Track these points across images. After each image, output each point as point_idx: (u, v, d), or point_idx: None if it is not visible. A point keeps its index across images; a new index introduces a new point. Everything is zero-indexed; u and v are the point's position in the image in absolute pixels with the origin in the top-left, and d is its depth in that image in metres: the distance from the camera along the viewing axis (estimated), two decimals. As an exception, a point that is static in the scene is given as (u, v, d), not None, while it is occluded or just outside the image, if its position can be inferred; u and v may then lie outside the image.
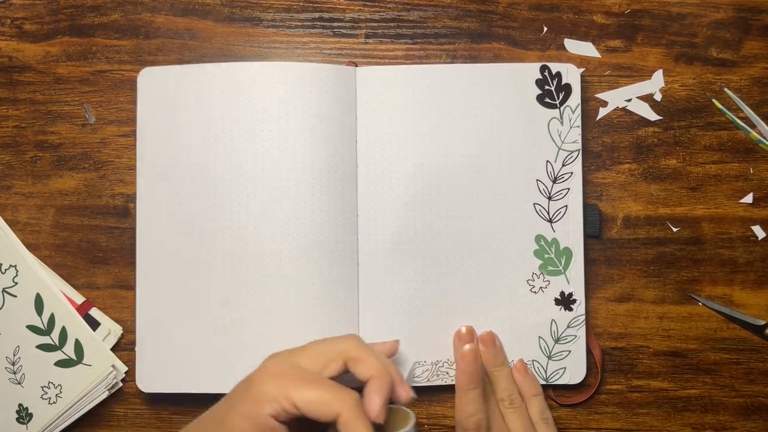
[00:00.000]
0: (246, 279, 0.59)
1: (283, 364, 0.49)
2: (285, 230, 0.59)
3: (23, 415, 0.60)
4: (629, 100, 0.62)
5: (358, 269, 0.60)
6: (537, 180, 0.60)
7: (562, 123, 0.60)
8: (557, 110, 0.60)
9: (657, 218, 0.62)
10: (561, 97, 0.60)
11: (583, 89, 0.61)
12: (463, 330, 0.59)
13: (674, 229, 0.62)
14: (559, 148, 0.60)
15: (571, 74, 0.60)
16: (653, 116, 0.62)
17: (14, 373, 0.61)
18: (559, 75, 0.60)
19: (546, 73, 0.60)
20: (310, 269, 0.59)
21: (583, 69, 0.62)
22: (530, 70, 0.60)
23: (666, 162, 0.62)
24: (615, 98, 0.62)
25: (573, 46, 0.62)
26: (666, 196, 0.62)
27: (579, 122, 0.60)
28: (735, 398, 0.61)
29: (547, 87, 0.60)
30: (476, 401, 0.57)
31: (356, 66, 0.61)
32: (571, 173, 0.60)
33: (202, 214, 0.60)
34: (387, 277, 0.60)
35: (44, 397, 0.60)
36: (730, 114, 0.62)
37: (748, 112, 0.61)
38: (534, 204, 0.60)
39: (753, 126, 0.62)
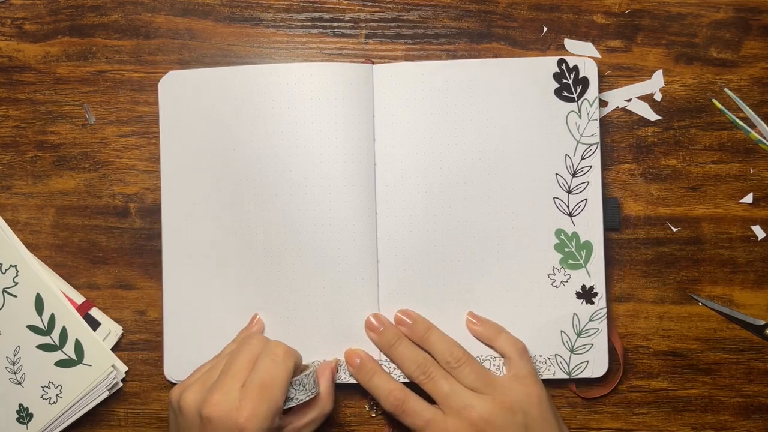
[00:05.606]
0: (267, 277, 0.60)
1: (233, 396, 0.52)
2: (304, 228, 0.59)
3: (23, 415, 0.60)
4: (629, 100, 0.62)
5: (377, 266, 0.60)
6: (556, 174, 0.60)
7: (580, 116, 0.60)
8: (575, 104, 0.60)
9: (657, 218, 0.62)
10: (579, 90, 0.60)
11: (583, 89, 0.62)
12: (372, 318, 0.59)
13: (674, 229, 0.62)
14: (578, 142, 0.60)
15: (589, 68, 0.60)
16: (653, 116, 0.62)
17: (14, 373, 0.61)
18: (576, 68, 0.60)
19: (563, 67, 0.60)
20: (329, 267, 0.59)
21: (583, 69, 0.62)
22: (548, 64, 0.60)
23: (666, 162, 0.62)
24: (615, 98, 0.62)
25: (573, 46, 0.62)
26: (666, 196, 0.62)
27: (597, 115, 0.60)
28: (735, 398, 0.61)
29: (564, 81, 0.60)
30: (380, 385, 0.58)
31: (373, 63, 0.61)
32: (590, 166, 0.60)
33: (225, 212, 0.60)
34: (407, 274, 0.60)
35: (44, 397, 0.60)
36: (730, 114, 0.62)
37: (748, 112, 0.61)
38: (554, 198, 0.60)
39: (753, 126, 0.62)
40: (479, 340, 0.59)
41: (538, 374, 0.58)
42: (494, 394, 0.56)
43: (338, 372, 0.59)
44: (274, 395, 0.52)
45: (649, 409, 0.61)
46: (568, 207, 0.60)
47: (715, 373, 0.61)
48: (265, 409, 0.51)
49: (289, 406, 0.54)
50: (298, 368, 0.55)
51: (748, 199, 0.61)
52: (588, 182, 0.60)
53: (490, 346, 0.59)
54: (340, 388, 0.61)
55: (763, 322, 0.61)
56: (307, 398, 0.55)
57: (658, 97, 0.62)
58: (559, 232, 0.60)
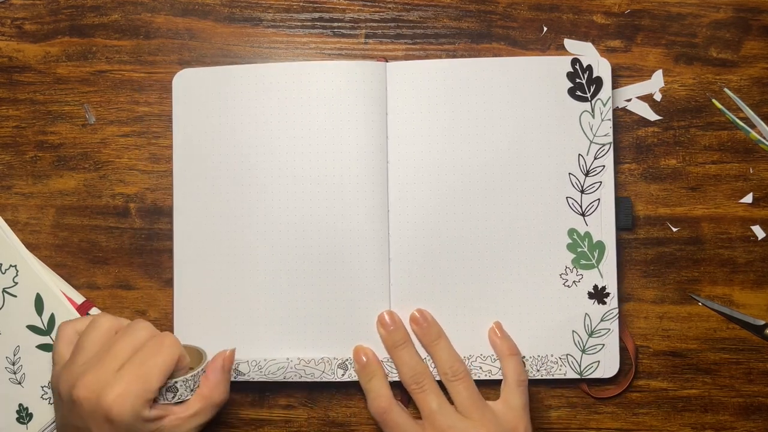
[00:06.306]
0: (278, 274, 0.60)
1: (105, 377, 0.51)
2: (316, 226, 0.60)
3: (23, 415, 0.60)
4: (629, 100, 0.62)
5: (389, 264, 0.60)
6: (569, 173, 0.60)
7: (593, 116, 0.60)
8: (588, 103, 0.60)
9: (657, 218, 0.62)
10: (592, 90, 0.60)
11: (583, 89, 0.62)
12: (386, 315, 0.59)
13: (674, 229, 0.62)
14: (591, 141, 0.60)
15: (602, 67, 0.60)
16: (653, 116, 0.62)
17: (14, 373, 0.61)
18: (590, 68, 0.60)
19: (577, 66, 0.60)
20: (341, 265, 0.59)
21: (583, 69, 0.62)
22: (562, 64, 0.60)
23: (666, 162, 0.62)
24: (615, 98, 0.62)
25: (573, 46, 0.62)
26: (666, 196, 0.62)
27: (610, 115, 0.60)
28: (735, 398, 0.61)
29: (578, 80, 0.60)
30: (374, 389, 0.58)
31: (386, 61, 0.61)
32: (603, 166, 0.60)
33: (236, 209, 0.60)
34: (418, 273, 0.60)
35: (44, 397, 0.60)
36: (730, 114, 0.62)
37: (748, 112, 0.61)
38: (567, 197, 0.60)
39: (753, 126, 0.62)
40: (492, 349, 0.60)
41: (528, 408, 0.57)
42: (481, 420, 0.56)
43: (233, 363, 0.58)
44: (149, 379, 0.50)
45: (649, 409, 0.61)
46: (581, 207, 0.60)
47: (715, 373, 0.61)
48: (136, 390, 0.50)
49: (176, 401, 0.53)
50: (183, 362, 0.54)
51: (748, 199, 0.61)
52: (601, 182, 0.60)
53: (498, 359, 0.59)
54: (340, 387, 0.61)
55: (763, 322, 0.61)
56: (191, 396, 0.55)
57: (658, 97, 0.62)
58: (571, 232, 0.60)
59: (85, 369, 0.51)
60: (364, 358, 0.59)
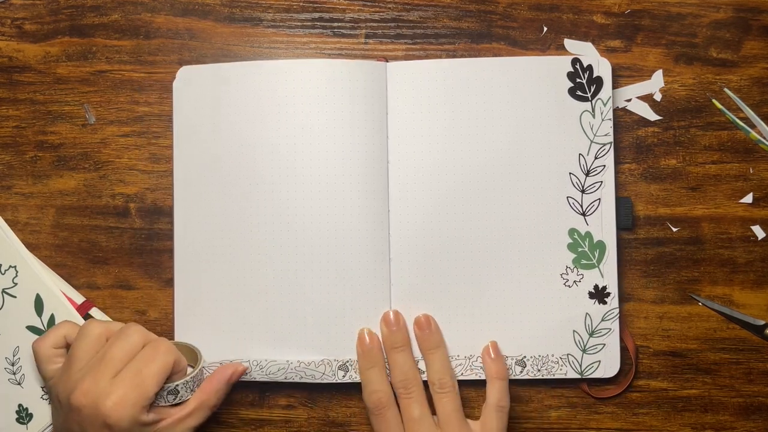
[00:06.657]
0: (278, 274, 0.60)
1: (103, 384, 0.51)
2: (317, 226, 0.60)
3: (23, 416, 0.60)
4: (629, 100, 0.62)
5: (389, 264, 0.60)
6: (570, 173, 0.60)
7: (593, 116, 0.60)
8: (589, 103, 0.60)
9: (657, 218, 0.62)
10: (592, 90, 0.60)
11: (583, 89, 0.62)
12: (391, 314, 0.59)
13: (674, 229, 0.62)
14: (592, 141, 0.60)
15: (603, 67, 0.60)
16: (653, 116, 0.62)
17: (14, 373, 0.61)
18: (590, 68, 0.60)
19: (577, 66, 0.60)
20: (342, 265, 0.59)
21: (583, 69, 0.62)
22: (562, 63, 0.60)
23: (666, 162, 0.62)
24: (615, 98, 0.62)
25: (573, 46, 0.62)
26: (666, 196, 0.62)
27: (611, 115, 0.60)
28: (735, 398, 0.61)
29: (578, 80, 0.60)
30: (374, 380, 0.58)
31: (387, 61, 0.61)
32: (604, 166, 0.60)
33: (237, 209, 0.60)
34: (419, 273, 0.60)
35: (44, 397, 0.60)
36: (730, 114, 0.62)
37: (748, 112, 0.61)
38: (567, 197, 0.60)
39: (753, 126, 0.62)
40: (483, 367, 0.60)
41: None
42: None
43: (243, 376, 0.59)
44: (146, 385, 0.52)
45: (649, 409, 0.61)
46: (581, 206, 0.60)
47: (715, 373, 0.61)
48: (134, 396, 0.51)
49: (176, 402, 0.55)
50: (179, 367, 0.55)
51: (748, 199, 0.61)
52: (602, 182, 0.60)
53: (486, 379, 0.59)
54: (340, 387, 0.61)
55: (763, 322, 0.61)
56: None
57: (658, 97, 0.62)
58: (572, 232, 0.60)
59: (82, 376, 0.52)
60: (368, 340, 0.59)
